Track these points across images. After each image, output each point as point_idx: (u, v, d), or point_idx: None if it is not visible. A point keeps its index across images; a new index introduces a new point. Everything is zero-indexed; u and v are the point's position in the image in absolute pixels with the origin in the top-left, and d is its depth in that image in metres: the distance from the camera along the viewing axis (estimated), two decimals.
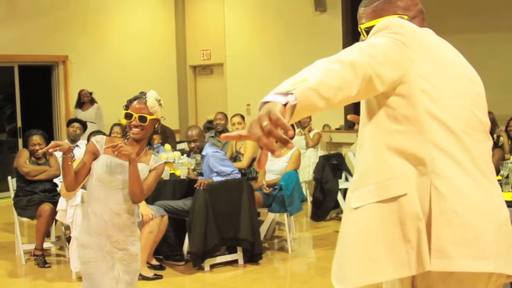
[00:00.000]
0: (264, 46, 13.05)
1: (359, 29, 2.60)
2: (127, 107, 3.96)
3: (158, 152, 8.51)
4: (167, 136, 10.66)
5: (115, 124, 8.65)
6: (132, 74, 13.29)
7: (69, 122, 8.95)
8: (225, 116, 9.44)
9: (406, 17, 2.43)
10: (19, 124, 12.53)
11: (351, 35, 11.76)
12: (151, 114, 3.94)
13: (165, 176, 7.42)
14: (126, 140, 3.98)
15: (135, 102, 3.95)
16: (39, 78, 13.22)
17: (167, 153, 8.07)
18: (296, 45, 12.44)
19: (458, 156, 2.22)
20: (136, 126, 3.92)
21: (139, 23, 13.94)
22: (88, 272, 3.92)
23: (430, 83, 2.22)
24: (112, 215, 3.90)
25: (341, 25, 11.77)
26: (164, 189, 7.23)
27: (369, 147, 2.31)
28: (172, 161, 7.89)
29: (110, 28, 13.47)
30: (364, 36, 2.55)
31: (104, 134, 6.87)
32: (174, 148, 9.38)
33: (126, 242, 3.94)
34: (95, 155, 3.93)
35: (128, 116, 3.93)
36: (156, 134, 10.40)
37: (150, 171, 4.02)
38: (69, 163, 3.81)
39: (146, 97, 3.95)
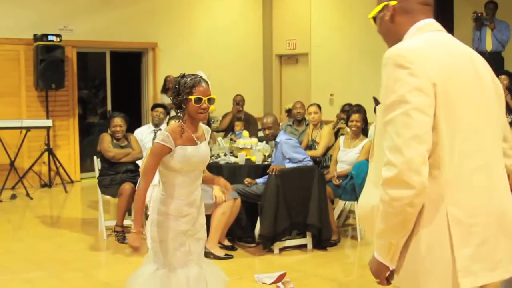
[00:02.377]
0: (349, 36, 13.09)
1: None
2: (190, 92, 4.04)
3: (239, 137, 8.77)
4: (250, 123, 10.92)
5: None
6: (217, 62, 13.59)
7: (153, 107, 9.30)
8: (303, 105, 9.60)
9: (394, 2, 2.54)
10: (109, 107, 13.06)
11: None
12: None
13: (241, 161, 7.67)
14: (183, 123, 4.13)
15: (199, 85, 4.06)
16: (129, 64, 13.72)
17: (244, 139, 8.31)
18: (379, 36, 12.38)
19: (468, 175, 2.38)
20: (205, 109, 4.09)
21: (226, 12, 14.23)
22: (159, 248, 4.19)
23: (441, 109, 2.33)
24: (188, 195, 4.16)
25: None
26: (239, 174, 7.48)
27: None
28: (249, 147, 8.12)
29: (198, 16, 13.81)
30: (373, 24, 2.69)
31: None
32: (255, 136, 9.61)
33: (196, 217, 4.23)
34: (165, 155, 4.08)
35: (197, 100, 4.04)
36: (239, 121, 10.68)
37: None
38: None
39: (204, 79, 4.13)
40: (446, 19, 11.65)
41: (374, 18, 2.65)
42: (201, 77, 4.14)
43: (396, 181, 2.26)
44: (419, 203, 2.28)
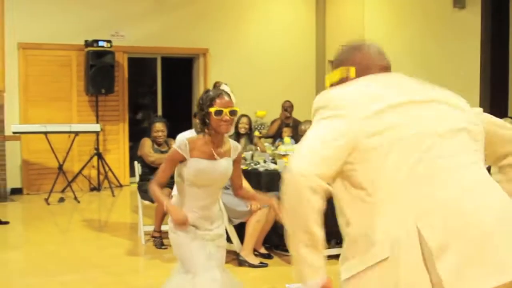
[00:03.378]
0: (402, 42, 12.88)
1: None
2: (210, 105, 4.02)
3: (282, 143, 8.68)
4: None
5: (242, 116, 8.81)
6: (268, 67, 13.54)
7: (195, 115, 9.23)
8: None
9: (353, 69, 2.57)
10: (159, 113, 13.14)
11: (490, 32, 11.37)
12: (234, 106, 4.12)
13: (280, 168, 7.58)
14: (206, 136, 4.10)
15: (220, 97, 4.05)
16: (180, 70, 13.80)
17: (286, 145, 8.24)
18: (434, 42, 12.19)
19: (438, 191, 2.21)
20: (227, 121, 4.03)
21: (279, 17, 14.15)
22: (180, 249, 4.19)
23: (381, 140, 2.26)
24: (202, 209, 4.14)
25: (480, 22, 11.40)
26: (278, 181, 7.38)
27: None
28: (290, 154, 8.02)
29: (250, 21, 13.78)
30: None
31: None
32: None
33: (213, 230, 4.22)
34: (179, 162, 4.09)
35: (218, 113, 4.00)
36: (288, 127, 10.59)
37: (234, 163, 4.25)
38: None
39: (226, 91, 4.12)
40: (502, 25, 11.35)
41: (332, 85, 2.67)
42: (223, 90, 4.14)
43: None
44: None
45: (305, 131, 7.35)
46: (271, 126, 11.35)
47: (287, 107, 11.15)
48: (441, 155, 2.25)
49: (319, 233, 2.30)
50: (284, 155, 8.03)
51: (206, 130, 4.09)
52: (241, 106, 11.81)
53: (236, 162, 4.26)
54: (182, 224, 4.03)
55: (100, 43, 11.39)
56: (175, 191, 5.68)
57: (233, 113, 4.06)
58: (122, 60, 12.13)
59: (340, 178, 2.34)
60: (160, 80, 13.16)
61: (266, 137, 10.97)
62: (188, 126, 12.82)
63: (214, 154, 4.09)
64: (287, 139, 8.61)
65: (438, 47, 12.13)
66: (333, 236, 6.95)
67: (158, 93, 13.20)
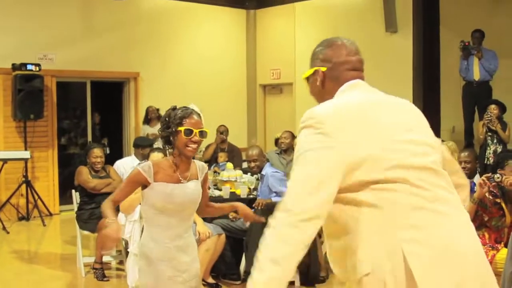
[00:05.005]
0: None
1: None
2: (179, 123, 3.79)
3: (223, 169, 8.51)
4: (234, 155, 10.71)
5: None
6: (200, 92, 13.40)
7: (137, 146, 8.86)
8: (292, 135, 9.38)
9: (324, 68, 2.65)
10: (89, 138, 12.78)
11: (422, 56, 11.58)
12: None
13: (225, 195, 7.42)
14: (172, 158, 3.87)
15: (190, 116, 3.80)
16: (110, 94, 13.48)
17: (228, 171, 8.06)
18: (366, 65, 12.25)
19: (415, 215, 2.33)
20: (195, 142, 3.81)
21: (210, 41, 14.05)
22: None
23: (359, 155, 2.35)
24: (175, 238, 3.86)
25: (412, 46, 11.59)
26: None
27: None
28: (234, 180, 7.87)
29: (181, 45, 13.62)
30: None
31: (163, 150, 6.87)
32: (240, 167, 9.38)
33: (188, 263, 3.90)
34: (142, 185, 3.84)
35: (188, 132, 3.77)
36: (223, 151, 10.47)
37: (202, 184, 3.99)
38: None
39: (196, 111, 3.87)
40: (432, 48, 11.57)
41: (307, 79, 2.77)
42: (193, 109, 3.88)
43: None
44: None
45: (251, 156, 7.22)
46: (206, 150, 11.18)
47: (223, 131, 11.01)
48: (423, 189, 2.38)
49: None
50: (226, 181, 7.87)
51: (172, 152, 3.87)
52: None
53: (203, 182, 4.02)
54: (111, 241, 3.70)
55: (29, 67, 10.97)
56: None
57: (202, 134, 3.83)
58: (50, 84, 11.72)
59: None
60: (90, 104, 12.79)
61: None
62: (119, 151, 12.63)
63: (180, 177, 3.85)
64: (229, 164, 8.42)
65: (367, 69, 12.16)
66: None
67: (88, 118, 12.83)
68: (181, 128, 3.77)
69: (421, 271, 2.23)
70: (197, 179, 3.95)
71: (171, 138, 3.83)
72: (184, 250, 3.88)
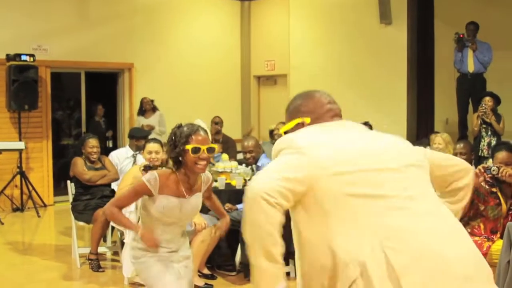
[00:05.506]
0: (328, 58, 12.96)
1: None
2: (186, 142, 3.75)
3: (218, 161, 8.51)
4: (229, 146, 10.70)
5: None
6: (195, 83, 13.42)
7: (131, 136, 8.87)
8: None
9: (308, 119, 2.73)
10: (83, 129, 12.76)
11: (416, 48, 11.60)
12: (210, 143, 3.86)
13: (221, 186, 7.41)
14: (181, 176, 3.84)
15: (196, 133, 3.78)
16: (105, 85, 13.45)
17: (224, 162, 8.05)
18: (360, 57, 12.32)
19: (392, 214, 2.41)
20: (204, 159, 3.77)
21: (204, 33, 14.03)
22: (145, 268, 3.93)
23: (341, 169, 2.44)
24: (167, 243, 3.92)
25: (406, 38, 11.60)
26: (219, 199, 7.18)
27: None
28: (229, 171, 7.87)
29: (176, 37, 13.60)
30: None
31: (159, 141, 6.86)
32: (234, 158, 9.37)
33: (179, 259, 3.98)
34: (145, 195, 3.84)
35: (195, 150, 3.73)
36: (218, 143, 10.46)
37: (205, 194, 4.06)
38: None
39: (202, 127, 3.86)
40: (427, 40, 11.59)
41: (286, 132, 2.80)
42: (199, 126, 3.84)
43: None
44: None
45: (247, 147, 7.24)
46: None
47: (218, 122, 11.02)
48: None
49: (278, 251, 2.40)
50: (222, 172, 7.86)
51: (180, 169, 3.82)
52: (169, 122, 11.65)
53: (207, 190, 4.07)
54: (155, 246, 3.81)
55: (23, 57, 10.93)
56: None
57: (210, 150, 3.80)
58: (45, 75, 11.69)
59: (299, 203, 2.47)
60: (84, 95, 12.76)
61: None
62: (113, 142, 12.60)
63: (184, 193, 3.84)
64: (224, 155, 8.40)
65: (361, 61, 12.27)
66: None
67: (82, 109, 12.80)
68: (189, 147, 3.73)
69: (403, 267, 2.30)
70: (200, 191, 3.95)
71: (180, 158, 3.79)
72: (176, 252, 3.94)
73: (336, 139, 2.56)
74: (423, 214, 2.45)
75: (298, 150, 2.46)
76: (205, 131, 3.85)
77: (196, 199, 3.92)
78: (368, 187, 2.43)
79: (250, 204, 2.39)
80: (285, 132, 2.77)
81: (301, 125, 2.72)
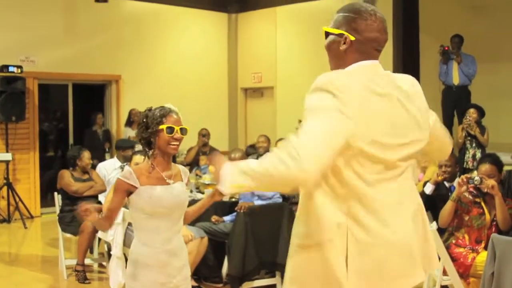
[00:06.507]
0: (315, 70, 12.85)
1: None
2: (160, 122, 3.75)
3: (205, 173, 8.55)
4: None
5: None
6: (182, 95, 13.44)
7: (119, 148, 8.89)
8: (268, 139, 9.43)
9: (352, 38, 2.61)
10: (70, 141, 12.76)
11: (401, 60, 11.67)
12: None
13: None
14: (151, 160, 3.83)
15: (170, 115, 3.78)
16: (92, 97, 13.47)
17: (211, 175, 8.08)
18: None
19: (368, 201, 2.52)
20: (177, 139, 3.78)
21: (192, 45, 14.09)
22: None
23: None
24: (165, 242, 3.82)
25: (392, 50, 11.68)
26: (206, 211, 7.21)
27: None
28: (216, 183, 7.90)
29: (163, 49, 13.66)
30: (324, 37, 2.75)
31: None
32: None
33: (179, 268, 3.87)
34: (128, 192, 3.79)
35: (170, 130, 3.74)
36: (205, 155, 10.48)
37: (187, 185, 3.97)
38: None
39: (175, 109, 3.86)
40: (412, 52, 11.69)
41: (327, 33, 2.72)
42: (170, 107, 3.85)
43: None
44: None
45: (234, 159, 7.29)
46: (188, 153, 11.22)
47: (205, 134, 11.08)
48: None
49: None
50: (209, 184, 7.90)
51: (153, 152, 3.82)
52: None
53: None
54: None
55: (11, 69, 10.97)
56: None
57: (183, 131, 3.81)
58: (32, 87, 11.70)
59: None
60: (72, 107, 12.78)
61: (183, 165, 10.80)
62: (101, 154, 12.59)
63: (165, 178, 3.82)
64: (211, 168, 8.44)
65: None
66: (265, 266, 6.92)
67: (69, 121, 12.81)
68: (163, 127, 3.73)
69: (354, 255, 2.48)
70: (182, 181, 3.93)
71: (151, 139, 3.79)
72: (176, 254, 3.85)
73: (372, 105, 2.50)
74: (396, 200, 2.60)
75: (342, 109, 2.40)
76: (177, 113, 3.84)
77: (181, 187, 3.87)
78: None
79: (294, 175, 2.31)
80: (327, 35, 2.71)
81: (344, 39, 2.62)
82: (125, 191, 3.76)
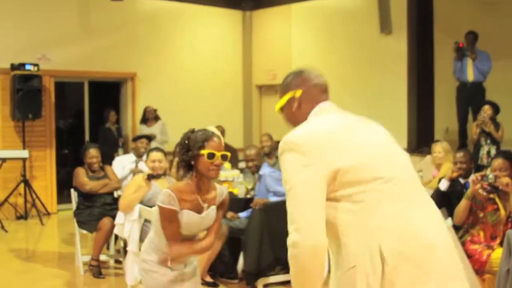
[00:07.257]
0: (329, 67, 13.00)
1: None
2: (201, 146, 3.69)
3: (221, 169, 8.57)
4: (231, 155, 10.74)
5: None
6: (197, 93, 13.52)
7: (137, 138, 8.97)
8: (271, 137, 9.39)
9: (299, 91, 2.87)
10: (86, 138, 12.85)
11: (416, 57, 11.67)
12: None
13: None
14: (191, 182, 3.77)
15: (212, 139, 3.73)
16: (108, 94, 13.55)
17: (226, 171, 8.14)
18: (361, 66, 12.43)
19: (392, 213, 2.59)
20: (218, 165, 3.74)
21: (206, 43, 14.13)
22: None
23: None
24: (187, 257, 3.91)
25: (406, 47, 11.69)
26: None
27: None
28: (231, 180, 7.95)
29: (178, 46, 13.70)
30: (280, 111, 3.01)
31: (162, 150, 6.93)
32: (236, 167, 9.44)
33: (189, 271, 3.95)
34: (176, 214, 3.72)
35: (210, 156, 3.68)
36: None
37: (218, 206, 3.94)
38: None
39: (217, 133, 3.82)
40: (426, 49, 11.67)
41: (281, 109, 2.97)
42: (213, 131, 3.80)
43: None
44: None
45: (249, 155, 7.32)
46: None
47: (221, 132, 11.06)
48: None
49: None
50: (224, 181, 7.94)
51: (191, 174, 3.76)
52: (171, 131, 11.71)
53: (221, 206, 3.96)
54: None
55: (27, 67, 11.05)
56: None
57: (224, 157, 3.78)
58: (49, 84, 11.79)
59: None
60: (88, 104, 12.87)
61: None
62: (115, 151, 12.66)
63: (201, 203, 3.78)
64: (227, 164, 8.46)
65: (361, 71, 12.38)
66: (280, 262, 6.94)
67: (85, 118, 12.90)
68: (204, 152, 3.68)
69: (392, 265, 2.50)
70: (215, 204, 3.90)
71: (192, 162, 3.74)
72: (188, 264, 3.94)
73: (336, 138, 2.69)
74: (415, 204, 2.70)
75: (310, 162, 2.58)
76: (219, 137, 3.81)
77: (212, 212, 3.86)
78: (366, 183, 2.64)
79: (310, 258, 2.52)
80: (281, 108, 2.95)
81: (293, 100, 2.88)
82: (174, 215, 3.70)
